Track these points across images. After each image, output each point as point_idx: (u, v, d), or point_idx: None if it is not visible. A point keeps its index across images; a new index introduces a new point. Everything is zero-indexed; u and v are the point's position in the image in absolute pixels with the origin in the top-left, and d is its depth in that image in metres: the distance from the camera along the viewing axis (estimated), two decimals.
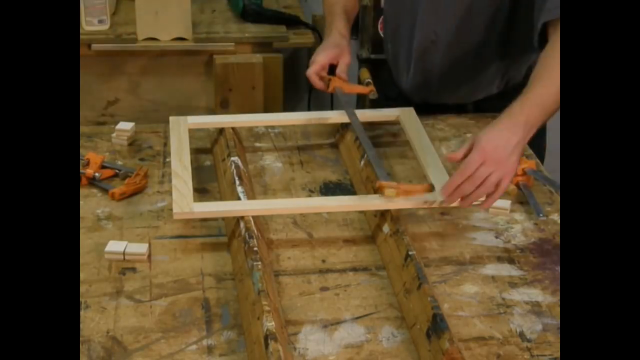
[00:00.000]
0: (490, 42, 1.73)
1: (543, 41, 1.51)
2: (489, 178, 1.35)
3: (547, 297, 1.31)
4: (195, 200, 1.44)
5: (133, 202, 1.52)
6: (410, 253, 1.31)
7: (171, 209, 1.43)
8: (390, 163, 1.66)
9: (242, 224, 1.38)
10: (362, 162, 1.58)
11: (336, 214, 1.49)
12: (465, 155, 1.37)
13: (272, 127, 1.77)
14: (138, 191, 1.55)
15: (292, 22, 2.46)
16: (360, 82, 1.81)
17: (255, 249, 1.31)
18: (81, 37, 2.26)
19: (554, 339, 1.23)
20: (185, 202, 1.42)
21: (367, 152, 1.53)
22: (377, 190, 1.40)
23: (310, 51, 2.77)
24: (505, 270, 1.37)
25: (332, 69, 1.75)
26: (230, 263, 1.37)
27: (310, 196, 1.56)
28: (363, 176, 1.56)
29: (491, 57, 1.75)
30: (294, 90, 2.85)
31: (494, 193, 1.37)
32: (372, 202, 1.43)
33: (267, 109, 2.38)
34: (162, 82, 2.40)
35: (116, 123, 1.72)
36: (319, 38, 2.60)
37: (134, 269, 1.35)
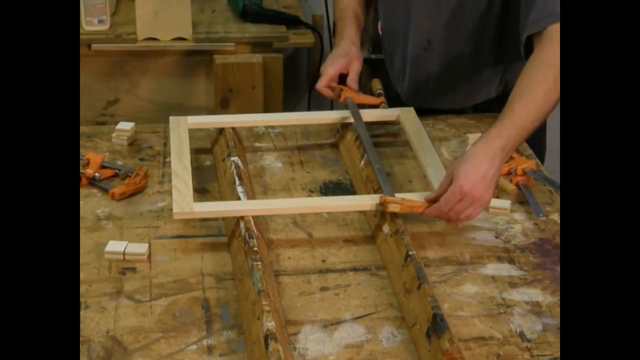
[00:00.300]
0: (484, 48, 1.73)
1: (530, 52, 1.50)
2: (464, 211, 1.38)
3: (547, 297, 1.31)
4: (195, 200, 1.44)
5: (133, 202, 1.52)
6: (410, 253, 1.31)
7: (171, 209, 1.43)
8: (390, 163, 1.66)
9: (242, 224, 1.38)
10: (362, 162, 1.58)
11: (336, 214, 1.49)
12: (444, 189, 1.38)
13: (272, 127, 1.77)
14: (138, 191, 1.54)
15: (292, 22, 2.46)
16: (371, 93, 1.81)
17: (255, 249, 1.31)
18: (81, 37, 2.26)
19: (554, 339, 1.23)
20: (185, 202, 1.42)
21: (373, 164, 1.52)
22: (381, 205, 1.40)
23: (310, 51, 2.78)
24: (505, 270, 1.37)
25: (342, 78, 1.75)
26: (230, 263, 1.37)
27: (310, 196, 1.56)
28: (363, 176, 1.56)
29: (486, 62, 1.75)
30: (294, 90, 2.85)
31: (469, 219, 1.40)
32: (372, 202, 1.43)
33: (267, 109, 2.38)
34: (162, 82, 2.40)
35: (116, 123, 1.72)
36: (319, 38, 2.60)
37: (134, 269, 1.35)
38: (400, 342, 1.22)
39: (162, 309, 1.27)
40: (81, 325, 1.23)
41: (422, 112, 1.78)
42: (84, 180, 1.56)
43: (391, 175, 1.61)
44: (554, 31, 1.44)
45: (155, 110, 2.41)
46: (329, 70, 1.74)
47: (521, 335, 1.24)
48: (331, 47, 2.79)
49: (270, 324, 1.16)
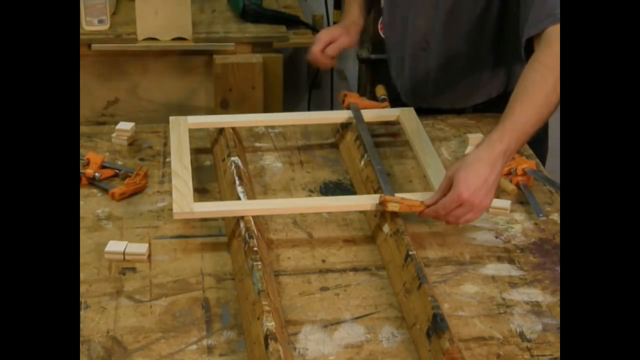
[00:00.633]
0: (482, 48, 1.72)
1: (530, 54, 1.49)
2: (463, 217, 1.38)
3: (547, 297, 1.31)
4: (195, 200, 1.44)
5: (133, 202, 1.52)
6: (410, 253, 1.31)
7: (171, 209, 1.43)
8: (390, 163, 1.66)
9: (242, 224, 1.38)
10: (362, 162, 1.58)
11: (336, 214, 1.49)
12: (443, 193, 1.38)
13: (272, 127, 1.77)
14: (138, 191, 1.55)
15: (292, 22, 2.46)
16: (374, 98, 1.82)
17: (255, 249, 1.31)
18: (81, 37, 2.26)
19: (554, 339, 1.23)
20: (185, 202, 1.42)
21: (374, 165, 1.52)
22: (381, 205, 1.40)
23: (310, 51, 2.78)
24: (505, 270, 1.37)
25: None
26: (230, 263, 1.37)
27: (310, 196, 1.56)
28: (363, 176, 1.56)
29: (484, 63, 1.75)
30: (294, 90, 2.86)
31: (468, 222, 1.41)
32: (371, 202, 1.43)
33: (267, 109, 2.38)
34: (162, 82, 2.40)
35: (116, 123, 1.72)
36: None
37: (134, 269, 1.35)
38: (400, 342, 1.22)
39: (162, 309, 1.27)
40: (81, 325, 1.23)
41: (423, 112, 1.79)
42: (84, 180, 1.56)
43: (391, 175, 1.61)
44: (553, 33, 1.44)
45: (155, 110, 2.41)
46: (323, 34, 1.81)
47: (521, 335, 1.24)
48: None
49: (270, 324, 1.16)
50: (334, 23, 2.86)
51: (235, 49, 2.36)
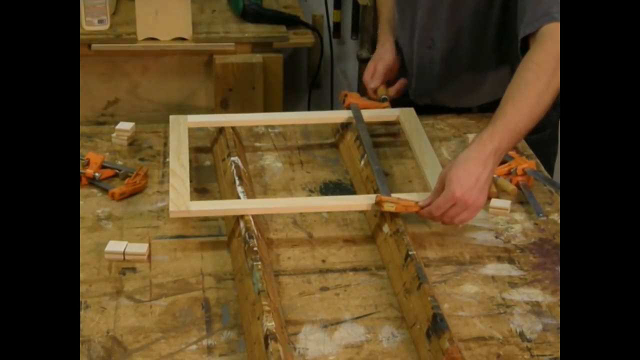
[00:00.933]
0: (485, 48, 1.73)
1: (526, 52, 1.50)
2: (458, 216, 1.38)
3: (547, 297, 1.31)
4: (195, 200, 1.44)
5: (133, 202, 1.52)
6: (410, 253, 1.31)
7: None
8: (390, 163, 1.66)
9: (242, 224, 1.38)
10: (362, 162, 1.58)
11: (336, 214, 1.49)
12: (437, 194, 1.38)
13: (272, 127, 1.77)
14: (138, 191, 1.55)
15: (292, 22, 2.46)
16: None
17: (255, 248, 1.31)
18: (81, 37, 2.26)
19: (554, 339, 1.23)
20: (182, 201, 1.42)
21: (372, 165, 1.53)
22: (377, 205, 1.41)
23: (310, 51, 2.78)
24: (505, 270, 1.37)
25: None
26: (230, 263, 1.37)
27: (310, 196, 1.56)
28: (363, 176, 1.56)
29: (489, 62, 1.75)
30: (294, 90, 2.86)
31: (463, 222, 1.41)
32: (370, 202, 1.43)
33: (267, 109, 2.38)
34: (162, 82, 2.40)
35: (116, 123, 1.72)
36: (319, 38, 2.60)
37: (134, 269, 1.35)
38: (400, 342, 1.22)
39: (162, 309, 1.27)
40: (81, 325, 1.23)
41: (429, 110, 1.79)
42: (84, 180, 1.56)
43: (391, 175, 1.61)
44: (548, 31, 1.44)
45: (155, 110, 2.41)
46: (380, 68, 1.82)
47: (521, 335, 1.24)
48: (331, 46, 2.79)
49: (270, 324, 1.16)
50: (334, 23, 2.87)
51: (235, 49, 2.36)
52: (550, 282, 1.34)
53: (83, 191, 1.54)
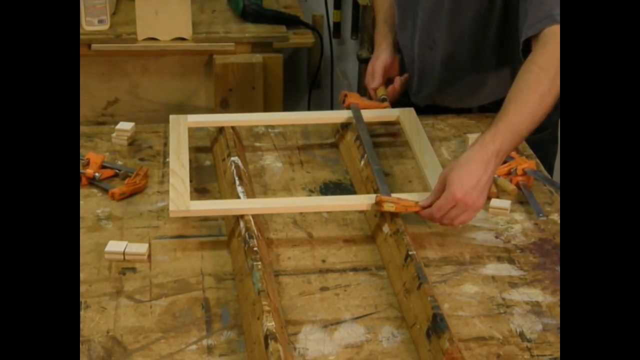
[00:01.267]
0: (486, 47, 1.73)
1: (528, 55, 1.50)
2: (457, 218, 1.38)
3: (547, 297, 1.31)
4: (194, 200, 1.44)
5: (133, 202, 1.52)
6: (410, 253, 1.31)
7: None
8: (390, 163, 1.66)
9: (242, 224, 1.38)
10: (362, 162, 1.58)
11: (336, 214, 1.49)
12: (437, 195, 1.39)
13: (272, 127, 1.77)
14: (138, 191, 1.55)
15: (292, 22, 2.46)
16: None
17: (255, 248, 1.31)
18: (81, 37, 2.26)
19: (554, 339, 1.23)
20: (182, 200, 1.42)
21: (372, 165, 1.53)
22: (377, 205, 1.41)
23: (310, 51, 2.78)
24: (505, 270, 1.37)
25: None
26: (230, 263, 1.37)
27: (310, 196, 1.56)
28: (363, 176, 1.56)
29: (489, 64, 1.75)
30: (294, 90, 2.86)
31: (463, 223, 1.42)
32: (370, 202, 1.43)
33: (267, 109, 2.38)
34: (162, 82, 2.40)
35: (116, 123, 1.72)
36: (319, 38, 2.60)
37: (134, 269, 1.35)
38: (400, 342, 1.22)
39: (162, 309, 1.27)
40: (81, 325, 1.23)
41: (429, 110, 1.79)
42: (84, 180, 1.56)
43: (391, 175, 1.61)
44: (550, 34, 1.44)
45: (155, 110, 2.41)
46: (378, 68, 1.82)
47: (521, 335, 1.24)
48: (331, 46, 2.79)
49: (270, 324, 1.16)
50: (334, 23, 2.87)
51: (235, 49, 2.36)
52: (550, 282, 1.34)
53: (83, 191, 1.54)
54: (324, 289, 1.32)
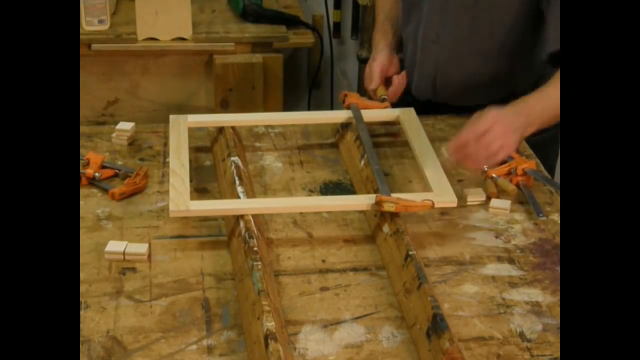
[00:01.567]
0: (491, 48, 1.73)
1: (557, 63, 1.53)
2: (492, 144, 1.41)
3: (547, 297, 1.31)
4: (194, 200, 1.44)
5: (133, 202, 1.52)
6: (410, 253, 1.31)
7: None
8: (390, 163, 1.66)
9: (242, 224, 1.38)
10: (362, 162, 1.58)
11: (336, 214, 1.49)
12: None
13: (272, 127, 1.77)
14: (138, 191, 1.55)
15: (292, 22, 2.46)
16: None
17: (255, 248, 1.31)
18: (81, 37, 2.26)
19: (554, 339, 1.23)
20: (182, 200, 1.42)
21: (372, 165, 1.53)
22: (377, 205, 1.41)
23: (310, 51, 2.78)
24: (505, 270, 1.37)
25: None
26: (230, 263, 1.37)
27: (310, 196, 1.56)
28: (363, 176, 1.56)
29: (490, 64, 1.75)
30: (294, 90, 2.86)
31: (490, 159, 1.46)
32: (370, 202, 1.43)
33: (267, 109, 2.38)
34: (162, 82, 2.40)
35: (116, 123, 1.72)
36: (319, 38, 2.60)
37: (134, 269, 1.35)
38: (400, 342, 1.22)
39: (162, 309, 1.27)
40: (81, 325, 1.23)
41: (429, 108, 1.79)
42: (84, 180, 1.56)
43: (391, 175, 1.61)
44: None
45: (155, 110, 2.41)
46: (376, 69, 1.82)
47: (521, 335, 1.24)
48: (331, 46, 2.79)
49: (270, 324, 1.16)
50: (334, 23, 2.87)
51: (235, 49, 2.36)
52: (550, 282, 1.34)
53: (83, 191, 1.54)
54: (324, 289, 1.32)
